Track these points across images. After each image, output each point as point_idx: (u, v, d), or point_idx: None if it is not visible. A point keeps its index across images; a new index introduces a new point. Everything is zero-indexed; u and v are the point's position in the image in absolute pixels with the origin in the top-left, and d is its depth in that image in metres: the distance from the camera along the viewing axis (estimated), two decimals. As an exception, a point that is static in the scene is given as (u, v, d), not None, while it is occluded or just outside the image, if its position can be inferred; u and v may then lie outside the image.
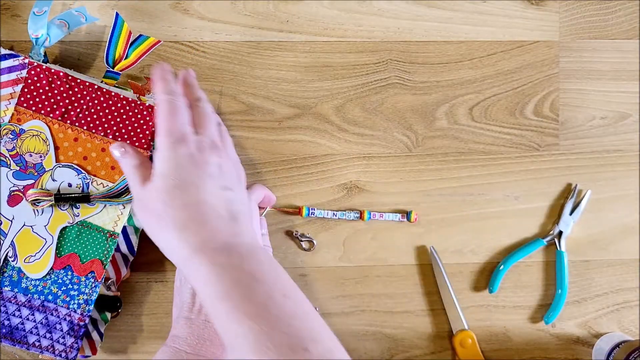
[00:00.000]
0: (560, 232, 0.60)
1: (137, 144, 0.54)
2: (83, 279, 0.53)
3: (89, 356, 0.54)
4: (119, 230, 0.53)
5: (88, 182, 0.53)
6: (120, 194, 0.53)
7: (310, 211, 0.58)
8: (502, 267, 0.60)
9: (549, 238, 0.60)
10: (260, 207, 0.57)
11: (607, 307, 0.61)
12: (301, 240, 0.59)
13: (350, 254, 0.60)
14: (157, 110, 0.46)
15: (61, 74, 0.53)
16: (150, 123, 0.54)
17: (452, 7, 0.60)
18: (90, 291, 0.53)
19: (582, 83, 0.61)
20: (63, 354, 0.52)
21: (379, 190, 0.60)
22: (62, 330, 0.52)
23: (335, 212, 0.58)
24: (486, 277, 0.60)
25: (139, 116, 0.54)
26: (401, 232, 0.60)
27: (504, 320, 0.60)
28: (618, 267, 0.61)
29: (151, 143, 0.54)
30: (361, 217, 0.59)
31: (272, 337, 0.39)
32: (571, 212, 0.60)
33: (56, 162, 0.53)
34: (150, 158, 0.52)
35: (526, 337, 0.60)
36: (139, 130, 0.54)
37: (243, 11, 0.59)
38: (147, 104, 0.54)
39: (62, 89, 0.53)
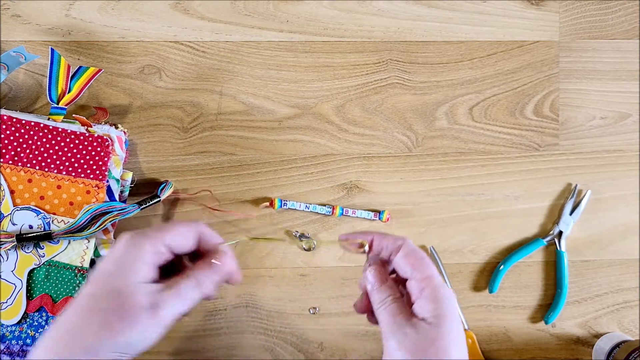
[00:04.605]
0: (560, 232, 0.60)
1: (91, 175, 0.53)
2: None
3: None
4: (87, 264, 0.52)
5: (49, 221, 0.52)
6: (82, 229, 0.52)
7: (283, 203, 0.58)
8: (502, 267, 0.60)
9: (549, 238, 0.60)
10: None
11: (607, 307, 0.61)
12: (301, 240, 0.59)
13: (350, 254, 0.59)
14: None
15: (5, 117, 0.52)
16: (102, 153, 0.53)
17: (452, 7, 0.60)
18: None
19: (582, 83, 0.61)
20: None
21: (379, 190, 0.60)
22: None
23: (308, 205, 0.58)
24: (486, 277, 0.60)
25: (90, 148, 0.53)
26: (401, 232, 0.60)
27: (504, 320, 0.60)
28: (618, 267, 0.61)
29: (105, 173, 0.53)
30: (333, 213, 0.59)
31: None
32: (571, 212, 0.60)
33: (13, 206, 0.52)
34: (108, 188, 0.53)
35: (526, 337, 0.60)
36: (91, 162, 0.53)
37: (243, 11, 0.59)
38: (95, 135, 0.53)
39: (8, 132, 0.52)
